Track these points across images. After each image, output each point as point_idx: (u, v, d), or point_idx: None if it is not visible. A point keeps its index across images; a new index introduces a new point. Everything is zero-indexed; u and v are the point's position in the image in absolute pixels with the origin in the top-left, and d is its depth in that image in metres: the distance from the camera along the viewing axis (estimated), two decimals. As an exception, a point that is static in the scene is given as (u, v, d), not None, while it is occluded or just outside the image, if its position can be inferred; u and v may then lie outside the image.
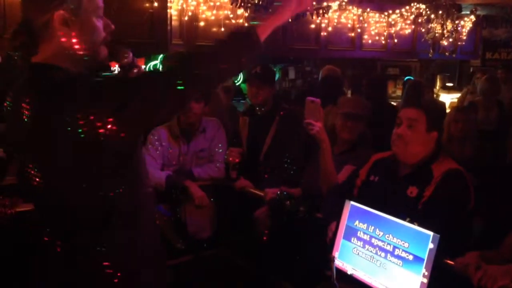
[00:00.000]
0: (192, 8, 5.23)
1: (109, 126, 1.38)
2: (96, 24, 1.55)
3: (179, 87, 1.43)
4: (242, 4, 5.45)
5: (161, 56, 6.10)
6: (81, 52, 1.53)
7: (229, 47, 1.54)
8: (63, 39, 1.49)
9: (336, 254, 2.22)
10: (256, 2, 5.55)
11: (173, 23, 5.01)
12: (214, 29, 5.45)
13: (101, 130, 1.37)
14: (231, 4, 5.42)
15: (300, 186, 3.11)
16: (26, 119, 1.47)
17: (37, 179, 1.52)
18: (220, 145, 3.47)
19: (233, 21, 5.56)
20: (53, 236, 1.56)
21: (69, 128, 1.38)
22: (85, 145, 1.40)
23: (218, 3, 5.39)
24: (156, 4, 4.65)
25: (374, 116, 3.14)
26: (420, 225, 1.98)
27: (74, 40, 1.50)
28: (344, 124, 2.98)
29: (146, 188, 1.65)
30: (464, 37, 7.91)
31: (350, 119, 2.97)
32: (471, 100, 5.85)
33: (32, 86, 1.50)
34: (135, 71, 1.74)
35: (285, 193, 2.98)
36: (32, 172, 1.52)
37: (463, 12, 7.76)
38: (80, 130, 1.37)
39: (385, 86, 5.07)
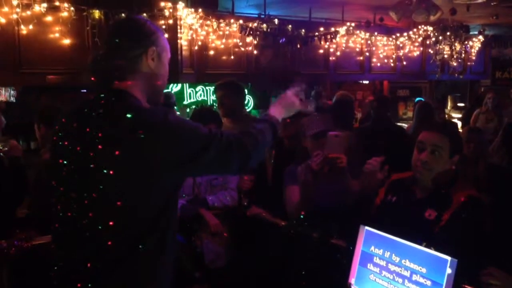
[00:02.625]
0: (201, 38, 5.31)
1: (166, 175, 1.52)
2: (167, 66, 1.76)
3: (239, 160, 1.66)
4: (251, 32, 5.54)
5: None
6: (158, 85, 1.72)
7: (264, 135, 1.81)
8: (148, 72, 1.67)
9: (352, 280, 2.20)
10: (265, 30, 5.64)
11: (183, 53, 5.07)
12: (224, 57, 5.53)
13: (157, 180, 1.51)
14: (240, 32, 5.51)
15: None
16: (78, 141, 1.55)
17: (75, 206, 1.56)
18: (233, 172, 3.47)
19: (242, 49, 5.63)
20: (74, 273, 1.56)
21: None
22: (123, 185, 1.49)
23: (227, 32, 5.47)
24: (166, 35, 4.72)
25: (375, 134, 3.10)
26: (436, 249, 1.96)
27: (156, 74, 1.70)
28: (317, 144, 2.86)
29: (173, 233, 1.68)
30: (474, 58, 7.92)
31: (321, 138, 2.84)
32: None
33: (105, 109, 1.56)
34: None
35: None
36: (72, 196, 1.56)
37: (471, 33, 7.80)
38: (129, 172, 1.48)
39: (387, 105, 5.07)
